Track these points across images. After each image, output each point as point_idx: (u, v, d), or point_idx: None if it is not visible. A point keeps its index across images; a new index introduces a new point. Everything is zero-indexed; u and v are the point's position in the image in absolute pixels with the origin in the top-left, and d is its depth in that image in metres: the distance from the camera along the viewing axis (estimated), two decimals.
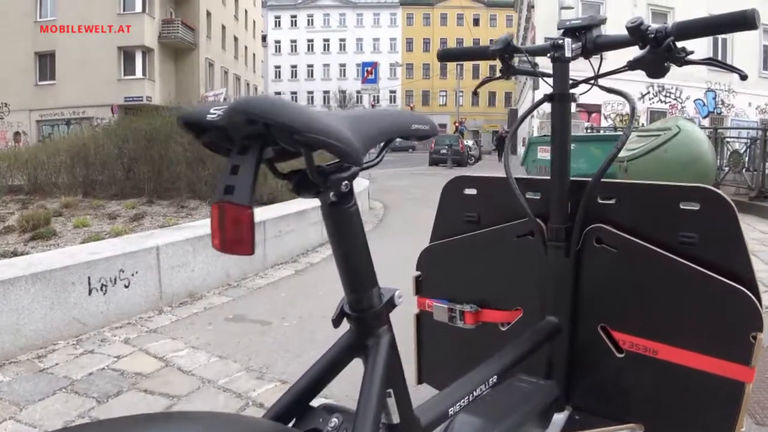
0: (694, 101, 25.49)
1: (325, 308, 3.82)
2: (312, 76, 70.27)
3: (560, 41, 1.43)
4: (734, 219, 1.32)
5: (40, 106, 27.65)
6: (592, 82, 1.57)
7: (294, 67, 70.43)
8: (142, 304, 3.76)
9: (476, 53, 1.67)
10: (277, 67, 70.22)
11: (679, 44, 1.33)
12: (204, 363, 2.90)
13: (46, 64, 28.70)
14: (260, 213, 5.28)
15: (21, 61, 27.98)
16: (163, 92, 28.63)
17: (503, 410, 1.30)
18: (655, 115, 22.88)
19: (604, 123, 23.12)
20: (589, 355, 1.44)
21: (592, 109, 22.84)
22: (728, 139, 11.16)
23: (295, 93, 68.56)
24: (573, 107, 1.47)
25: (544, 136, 13.41)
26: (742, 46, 23.85)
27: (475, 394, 1.20)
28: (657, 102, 25.03)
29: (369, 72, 16.09)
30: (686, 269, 1.34)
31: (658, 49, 1.33)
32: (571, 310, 1.46)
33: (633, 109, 1.46)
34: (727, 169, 10.23)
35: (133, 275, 3.70)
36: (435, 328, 1.74)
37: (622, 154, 8.53)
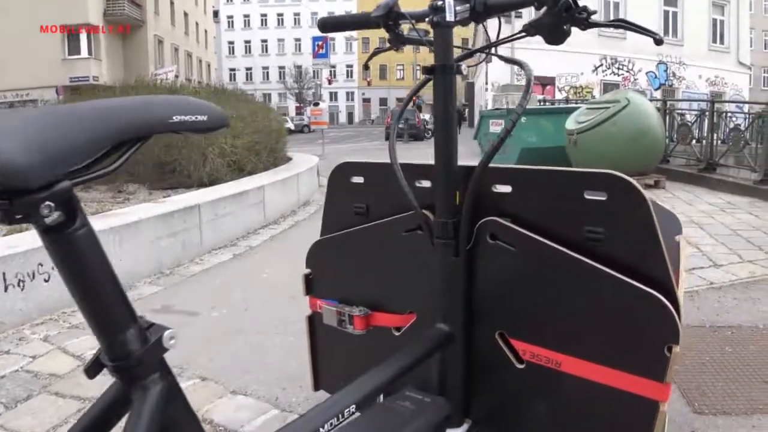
0: (646, 73, 25.62)
1: (260, 295, 3.70)
2: (266, 51, 69.03)
3: (440, 3, 1.22)
4: (647, 211, 1.13)
5: None
6: (489, 51, 1.37)
7: (248, 42, 69.06)
8: (65, 298, 3.56)
9: (360, 22, 1.42)
10: (231, 43, 68.78)
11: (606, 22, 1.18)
12: None
13: None
14: (196, 196, 5.09)
15: None
16: (111, 71, 27.79)
17: None
18: (608, 87, 22.95)
19: (558, 95, 23.15)
20: (487, 365, 1.29)
21: (545, 82, 22.81)
22: (678, 112, 11.21)
23: (250, 69, 67.44)
24: (459, 80, 1.27)
25: (497, 109, 13.36)
26: (691, 16, 24.13)
27: (342, 417, 1.04)
28: (610, 74, 25.11)
29: (320, 46, 15.70)
30: (593, 270, 1.17)
31: (554, 10, 1.16)
32: (464, 316, 1.29)
33: (528, 82, 1.25)
34: (676, 141, 10.29)
35: (53, 268, 3.49)
36: (327, 331, 1.59)
37: (573, 126, 8.50)
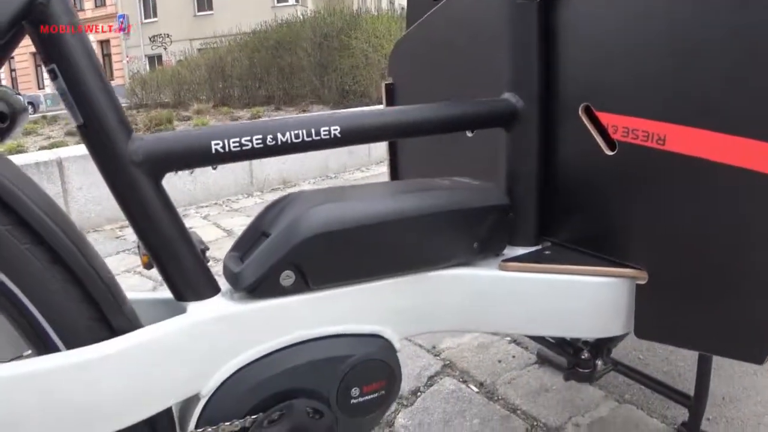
0: None
1: None
2: None
3: None
4: None
5: (201, 35, 28.91)
6: None
7: None
8: (231, 187, 3.69)
9: None
10: None
11: None
12: None
13: None
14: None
15: None
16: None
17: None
18: None
19: None
20: (565, 157, 0.91)
21: None
22: None
23: None
24: None
25: None
26: None
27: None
28: None
29: None
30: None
31: None
32: (539, 84, 0.91)
33: None
34: None
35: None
36: (406, 144, 1.36)
37: None
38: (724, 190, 0.72)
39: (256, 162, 3.78)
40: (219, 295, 0.72)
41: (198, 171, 2.90)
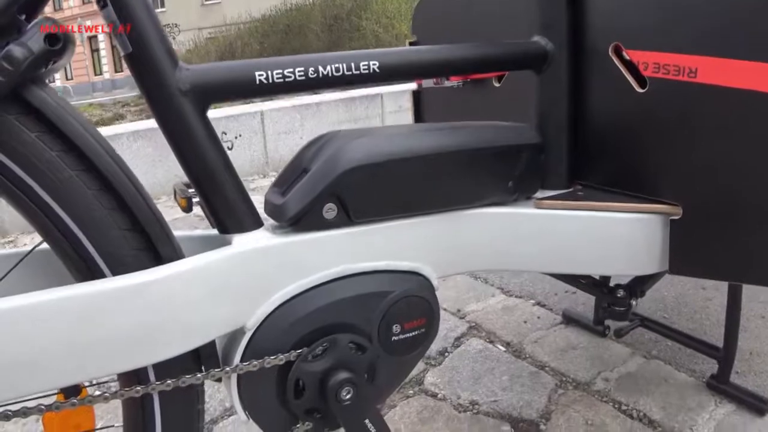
0: None
1: None
2: None
3: None
4: None
5: (209, 24, 28.92)
6: None
7: None
8: (246, 167, 3.69)
9: None
10: None
11: None
12: None
13: None
14: (381, 88, 5.03)
15: None
16: None
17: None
18: None
19: None
20: (596, 98, 0.91)
21: None
22: None
23: None
24: None
25: None
26: None
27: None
28: None
29: None
30: None
31: None
32: (568, 25, 0.90)
33: None
34: None
35: (236, 138, 3.62)
36: (427, 99, 1.35)
37: None
38: (757, 119, 0.72)
39: (271, 142, 3.78)
40: (262, 228, 0.72)
41: None
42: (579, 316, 1.55)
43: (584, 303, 1.67)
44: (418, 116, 1.39)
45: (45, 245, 0.71)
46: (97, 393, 0.64)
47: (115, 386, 1.11)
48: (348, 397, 0.70)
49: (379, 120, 4.63)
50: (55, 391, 0.72)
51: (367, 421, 0.73)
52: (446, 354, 1.45)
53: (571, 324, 1.55)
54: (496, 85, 1.10)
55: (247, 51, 8.37)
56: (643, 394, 1.25)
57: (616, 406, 1.22)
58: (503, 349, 1.46)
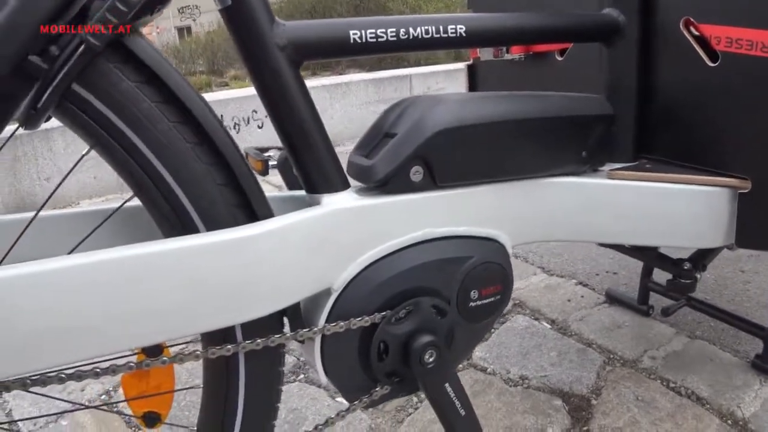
0: None
1: None
2: None
3: None
4: None
5: None
6: None
7: None
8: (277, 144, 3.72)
9: None
10: None
11: None
12: None
13: None
14: (410, 70, 5.03)
15: None
16: None
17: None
18: None
19: None
20: (665, 71, 0.92)
21: None
22: None
23: None
24: None
25: None
26: None
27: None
28: None
29: None
30: None
31: None
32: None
33: None
34: None
35: (267, 117, 3.64)
36: (484, 71, 1.35)
37: None
38: None
39: None
40: (350, 189, 0.72)
41: (243, 132, 2.94)
42: (622, 296, 1.56)
43: (626, 284, 1.68)
44: (473, 90, 1.40)
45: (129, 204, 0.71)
46: (186, 352, 0.64)
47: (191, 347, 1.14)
48: (431, 360, 0.72)
49: None
50: (135, 351, 0.70)
51: (447, 385, 0.75)
52: (493, 330, 1.47)
53: (614, 303, 1.57)
54: (559, 58, 1.11)
55: None
56: (689, 372, 1.26)
57: (664, 383, 1.24)
58: (549, 326, 1.48)
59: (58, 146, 2.94)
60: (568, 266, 1.82)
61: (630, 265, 1.79)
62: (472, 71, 1.38)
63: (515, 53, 1.19)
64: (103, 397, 1.30)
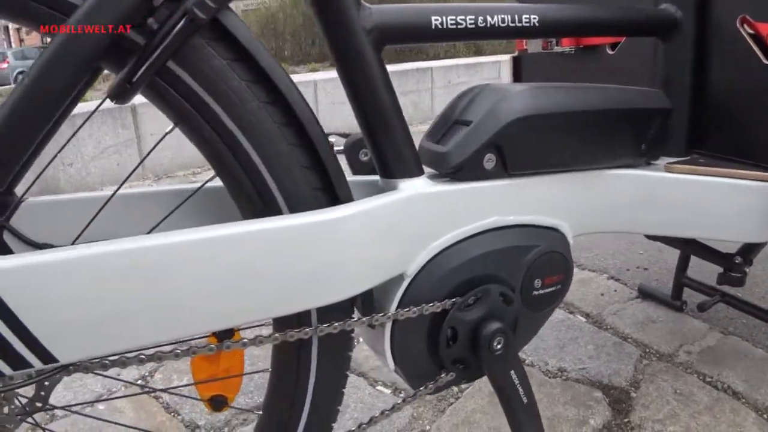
0: None
1: None
2: None
3: None
4: None
5: None
6: None
7: None
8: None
9: None
10: None
11: None
12: None
13: None
14: (431, 63, 5.04)
15: None
16: None
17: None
18: None
19: None
20: (721, 68, 0.93)
21: None
22: None
23: None
24: None
25: None
26: None
27: None
28: None
29: None
30: None
31: None
32: None
33: None
34: None
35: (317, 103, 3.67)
36: (531, 64, 1.35)
37: None
38: None
39: (326, 113, 3.81)
40: (424, 175, 0.73)
41: None
42: (655, 291, 1.57)
43: (657, 279, 1.69)
44: (518, 82, 1.40)
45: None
46: (261, 336, 0.64)
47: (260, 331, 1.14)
48: (499, 347, 0.74)
49: (428, 94, 4.64)
50: (207, 335, 0.69)
51: (512, 372, 0.76)
52: None
53: (647, 298, 1.58)
54: (610, 52, 1.12)
55: (289, 22, 8.38)
56: (725, 368, 1.28)
57: (701, 377, 1.25)
58: (584, 319, 1.49)
59: (81, 132, 2.96)
60: (599, 261, 1.83)
61: (660, 261, 1.80)
62: (517, 63, 1.39)
63: (565, 45, 1.20)
64: (139, 381, 1.32)
